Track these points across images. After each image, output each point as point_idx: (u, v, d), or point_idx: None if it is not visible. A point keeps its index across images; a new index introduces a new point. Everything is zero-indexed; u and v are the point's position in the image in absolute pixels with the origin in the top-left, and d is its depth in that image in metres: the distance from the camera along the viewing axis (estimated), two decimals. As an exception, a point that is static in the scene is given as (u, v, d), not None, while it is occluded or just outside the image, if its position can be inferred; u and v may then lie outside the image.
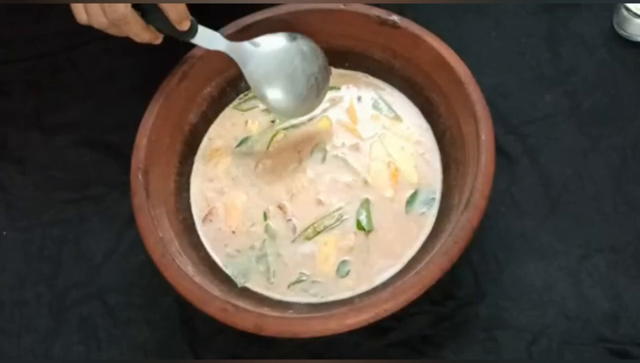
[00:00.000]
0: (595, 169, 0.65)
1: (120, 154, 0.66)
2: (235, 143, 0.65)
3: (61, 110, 0.73)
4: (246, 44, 0.61)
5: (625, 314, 0.59)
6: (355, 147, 0.64)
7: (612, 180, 0.65)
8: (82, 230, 0.66)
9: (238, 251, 0.60)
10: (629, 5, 0.69)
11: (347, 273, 0.59)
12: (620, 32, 0.71)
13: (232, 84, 0.67)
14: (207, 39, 0.60)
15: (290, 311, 0.56)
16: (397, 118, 0.65)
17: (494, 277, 0.61)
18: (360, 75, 0.68)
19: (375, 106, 0.66)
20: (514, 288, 0.61)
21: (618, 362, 0.58)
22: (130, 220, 0.60)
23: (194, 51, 0.64)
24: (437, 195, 0.61)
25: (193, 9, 0.73)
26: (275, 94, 0.60)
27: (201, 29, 0.59)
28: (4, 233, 0.67)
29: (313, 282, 0.59)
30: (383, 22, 0.64)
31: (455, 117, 0.61)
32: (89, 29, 0.59)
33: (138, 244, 0.58)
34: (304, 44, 0.62)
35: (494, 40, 0.73)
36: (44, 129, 0.72)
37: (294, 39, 0.62)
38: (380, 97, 0.66)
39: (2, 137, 0.72)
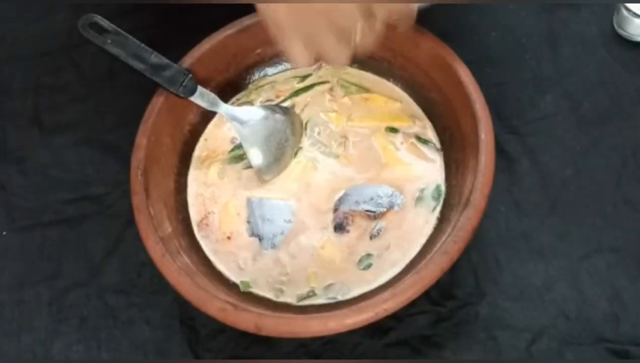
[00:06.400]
0: (595, 169, 0.65)
1: (120, 154, 0.67)
2: (230, 146, 0.65)
3: (61, 110, 0.73)
4: (239, 109, 0.64)
5: (625, 314, 0.59)
6: (354, 147, 0.64)
7: (612, 180, 0.65)
8: (82, 230, 0.66)
9: (236, 255, 0.60)
10: (629, 5, 0.69)
11: (369, 266, 0.59)
12: (620, 32, 0.71)
13: (232, 84, 0.67)
14: (205, 99, 0.63)
15: (292, 313, 0.56)
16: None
17: (494, 277, 0.61)
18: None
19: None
20: (514, 288, 0.61)
21: (618, 362, 0.58)
22: (130, 220, 0.60)
23: (194, 51, 0.64)
24: (443, 191, 0.61)
25: (193, 8, 0.73)
26: (257, 156, 0.63)
27: (200, 89, 0.62)
28: (4, 233, 0.67)
29: (326, 287, 0.58)
30: (383, 22, 0.64)
31: (455, 116, 0.61)
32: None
33: (138, 244, 0.58)
34: (287, 116, 0.65)
35: (494, 40, 0.73)
36: (44, 129, 0.72)
37: (277, 112, 0.65)
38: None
39: (2, 137, 0.72)
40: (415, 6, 0.49)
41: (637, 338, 0.58)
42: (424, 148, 0.63)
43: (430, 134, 0.64)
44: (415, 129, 0.64)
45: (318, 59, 0.49)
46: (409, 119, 0.64)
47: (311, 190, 0.62)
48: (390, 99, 0.65)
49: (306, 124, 0.65)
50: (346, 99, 0.66)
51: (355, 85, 0.66)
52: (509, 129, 0.67)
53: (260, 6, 0.46)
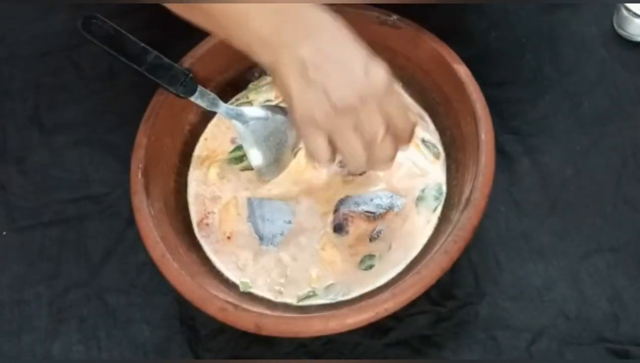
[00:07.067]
0: (595, 169, 0.65)
1: (120, 154, 0.66)
2: (230, 147, 0.65)
3: (61, 110, 0.73)
4: (241, 109, 0.63)
5: (625, 314, 0.59)
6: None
7: (612, 180, 0.65)
8: (82, 230, 0.66)
9: (236, 256, 0.60)
10: (629, 5, 0.69)
11: (371, 267, 0.59)
12: (620, 32, 0.71)
13: (232, 84, 0.67)
14: (205, 99, 0.62)
15: (292, 312, 0.56)
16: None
17: (494, 277, 0.61)
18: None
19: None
20: (514, 288, 0.61)
21: (618, 362, 0.58)
22: (130, 220, 0.60)
23: (194, 51, 0.64)
24: (444, 191, 0.61)
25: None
26: (257, 157, 0.62)
27: (200, 89, 0.62)
28: (4, 233, 0.67)
29: (327, 287, 0.58)
30: (383, 22, 0.64)
31: (455, 116, 0.61)
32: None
33: (138, 244, 0.58)
34: (287, 116, 0.64)
35: (494, 40, 0.73)
36: (44, 128, 0.72)
37: (277, 112, 0.64)
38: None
39: (2, 137, 0.72)
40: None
41: (637, 338, 0.58)
42: (424, 148, 0.63)
43: (431, 134, 0.64)
44: (417, 128, 0.64)
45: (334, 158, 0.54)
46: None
47: (311, 190, 0.62)
48: None
49: None
50: None
51: None
52: (509, 129, 0.67)
53: (296, 103, 0.50)
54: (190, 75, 0.62)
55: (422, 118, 0.64)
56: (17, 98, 0.74)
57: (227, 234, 0.61)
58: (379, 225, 0.60)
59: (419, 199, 0.61)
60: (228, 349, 0.60)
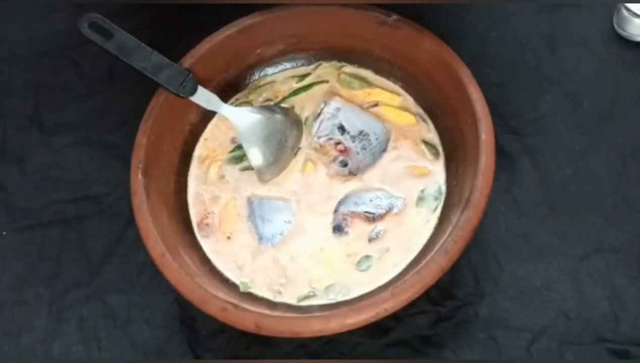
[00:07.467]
0: (595, 169, 0.65)
1: (120, 154, 0.66)
2: (230, 147, 0.65)
3: (61, 110, 0.73)
4: (240, 109, 0.64)
5: (625, 314, 0.59)
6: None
7: (612, 180, 0.65)
8: (82, 230, 0.66)
9: (236, 255, 0.60)
10: (629, 5, 0.69)
11: (368, 267, 0.58)
12: (620, 32, 0.71)
13: (232, 84, 0.67)
14: (205, 99, 0.63)
15: (292, 312, 0.56)
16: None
17: (494, 277, 0.61)
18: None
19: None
20: (514, 288, 0.61)
21: (618, 362, 0.58)
22: (130, 220, 0.60)
23: (194, 51, 0.64)
24: (443, 191, 0.61)
25: (193, 9, 0.73)
26: (257, 157, 0.63)
27: (200, 89, 0.62)
28: (4, 233, 0.67)
29: (327, 288, 0.58)
30: (383, 22, 0.64)
31: (455, 116, 0.61)
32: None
33: (138, 244, 0.58)
34: (287, 116, 0.65)
35: (494, 40, 0.73)
36: (44, 128, 0.72)
37: (277, 112, 0.65)
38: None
39: (2, 137, 0.72)
40: None
41: (637, 338, 0.58)
42: (424, 148, 0.63)
43: (432, 134, 0.64)
44: (417, 128, 0.64)
45: None
46: (412, 116, 0.64)
47: (311, 190, 0.62)
48: (393, 93, 0.65)
49: (305, 123, 0.65)
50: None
51: (357, 78, 0.66)
52: (509, 129, 0.67)
53: None
54: (190, 75, 0.62)
55: (422, 118, 0.65)
56: (17, 98, 0.74)
57: (227, 234, 0.61)
58: (379, 226, 0.60)
59: (419, 199, 0.61)
60: (228, 349, 0.60)
